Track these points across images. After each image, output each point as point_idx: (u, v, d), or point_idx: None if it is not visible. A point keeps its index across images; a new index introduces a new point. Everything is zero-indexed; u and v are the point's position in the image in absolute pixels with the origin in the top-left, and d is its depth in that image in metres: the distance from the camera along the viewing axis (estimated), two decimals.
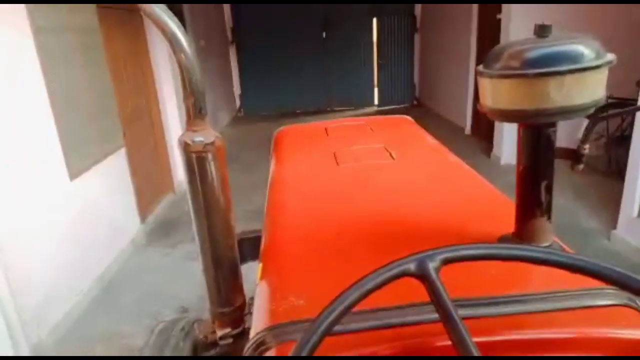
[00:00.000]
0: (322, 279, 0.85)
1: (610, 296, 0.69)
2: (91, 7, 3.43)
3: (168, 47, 1.00)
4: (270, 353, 0.70)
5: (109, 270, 3.42)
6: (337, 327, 0.51)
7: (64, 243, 2.92)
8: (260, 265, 1.05)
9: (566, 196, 4.18)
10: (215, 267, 1.16)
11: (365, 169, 1.42)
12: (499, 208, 1.06)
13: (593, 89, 0.68)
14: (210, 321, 1.24)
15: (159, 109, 4.87)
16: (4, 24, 2.50)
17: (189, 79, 1.04)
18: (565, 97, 0.67)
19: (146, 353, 1.24)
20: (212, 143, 1.08)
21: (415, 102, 9.70)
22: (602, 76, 0.68)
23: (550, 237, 0.80)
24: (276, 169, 1.61)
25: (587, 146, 0.77)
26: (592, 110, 0.69)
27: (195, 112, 1.08)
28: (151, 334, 1.32)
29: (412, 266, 0.51)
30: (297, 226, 1.15)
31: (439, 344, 0.61)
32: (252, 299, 1.05)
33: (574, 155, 0.77)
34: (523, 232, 0.80)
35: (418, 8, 9.20)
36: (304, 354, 0.47)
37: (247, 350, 0.74)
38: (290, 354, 0.47)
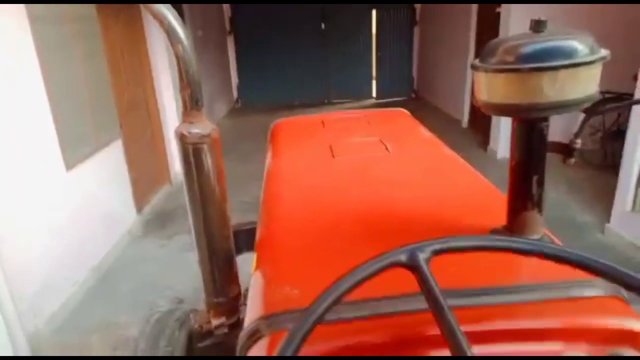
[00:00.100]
0: (316, 269, 0.86)
1: (597, 287, 0.71)
2: None
3: (165, 38, 1.00)
4: (264, 341, 0.71)
5: (106, 260, 3.43)
6: (330, 316, 0.52)
7: (60, 233, 2.92)
8: (255, 256, 1.05)
9: (560, 190, 4.21)
10: (210, 258, 1.17)
11: (361, 162, 1.43)
12: (492, 201, 1.07)
13: (586, 84, 0.69)
14: (206, 311, 1.25)
15: (155, 99, 4.85)
16: (0, 13, 2.48)
17: (185, 70, 1.05)
18: (559, 92, 0.67)
19: (142, 343, 1.25)
20: (209, 135, 1.08)
21: (413, 95, 9.69)
22: (595, 71, 0.69)
23: (540, 229, 0.81)
24: (272, 160, 1.62)
25: (579, 140, 0.77)
26: (585, 106, 0.70)
27: (191, 104, 1.08)
28: (146, 324, 1.33)
29: (402, 257, 0.52)
30: (291, 217, 1.16)
31: (429, 333, 0.62)
32: (247, 290, 1.06)
33: (566, 149, 0.78)
34: (514, 224, 0.81)
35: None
36: (296, 341, 0.48)
37: (241, 338, 0.75)
38: (282, 341, 0.48)
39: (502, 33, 5.07)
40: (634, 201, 3.33)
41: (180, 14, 1.03)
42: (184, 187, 1.12)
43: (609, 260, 0.50)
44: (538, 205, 0.79)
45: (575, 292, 0.70)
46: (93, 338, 2.64)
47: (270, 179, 1.45)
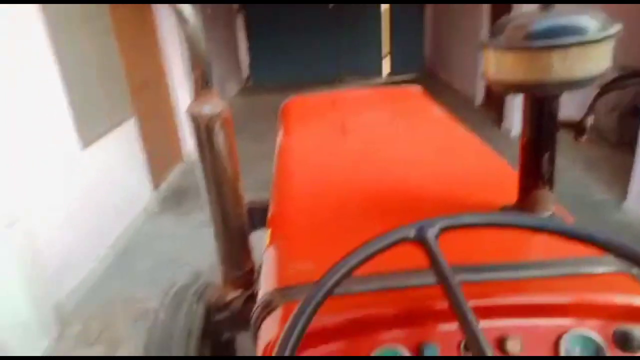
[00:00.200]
0: (328, 245, 0.88)
1: (607, 264, 0.71)
2: None
3: (174, 17, 1.01)
4: (278, 312, 0.74)
5: (123, 237, 3.51)
6: (340, 289, 0.54)
7: (78, 211, 3.00)
8: (269, 231, 1.08)
9: (577, 168, 4.16)
10: (225, 233, 1.20)
11: (373, 140, 1.43)
12: (506, 179, 1.07)
13: (597, 61, 0.68)
14: (222, 285, 1.30)
15: (166, 78, 4.87)
16: None
17: (195, 50, 1.06)
18: (569, 69, 0.67)
19: (161, 314, 1.30)
20: (220, 114, 1.10)
21: (426, 73, 9.53)
22: (607, 48, 0.68)
23: (551, 207, 0.82)
24: (283, 139, 1.63)
25: (590, 118, 0.77)
26: (595, 82, 0.70)
27: (202, 83, 1.10)
28: (165, 296, 1.38)
29: (411, 233, 0.54)
30: (303, 195, 1.18)
31: (437, 307, 0.64)
32: (261, 266, 1.09)
33: (577, 127, 0.78)
34: (525, 202, 0.82)
35: None
36: (308, 310, 0.50)
37: (256, 309, 0.79)
38: (294, 310, 0.51)
39: (516, 8, 4.93)
40: None
41: None
42: (198, 165, 1.15)
43: (622, 238, 0.50)
44: (549, 182, 0.79)
45: (584, 269, 0.71)
46: (115, 308, 2.74)
47: (282, 156, 1.46)
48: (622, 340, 0.63)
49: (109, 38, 3.54)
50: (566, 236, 0.52)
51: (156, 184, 4.23)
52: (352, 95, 2.08)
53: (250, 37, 9.25)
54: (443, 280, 0.51)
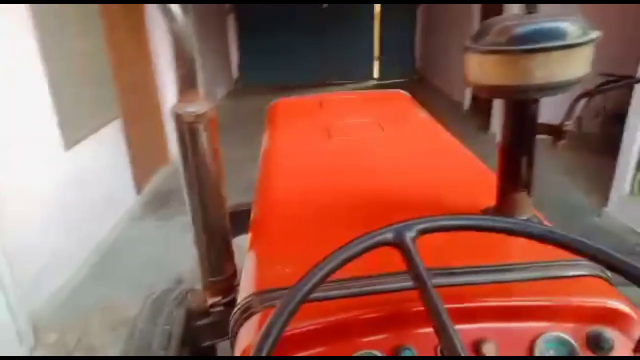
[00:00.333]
0: (308, 248, 0.87)
1: (581, 267, 0.72)
2: None
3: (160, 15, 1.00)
4: (256, 317, 0.73)
5: (106, 241, 3.46)
6: (318, 294, 0.53)
7: (60, 214, 2.94)
8: (250, 235, 1.07)
9: (560, 173, 4.21)
10: (206, 237, 1.18)
11: (357, 144, 1.43)
12: (485, 183, 1.08)
13: (578, 65, 0.69)
14: (202, 290, 1.27)
15: (155, 78, 4.82)
16: None
17: (180, 48, 1.04)
18: (550, 73, 0.67)
19: (140, 322, 1.28)
20: (204, 114, 1.08)
21: (415, 77, 9.60)
22: (587, 53, 0.68)
23: (529, 210, 0.82)
24: (269, 141, 1.62)
25: (569, 122, 0.78)
26: (575, 87, 0.70)
27: (187, 83, 1.08)
28: (145, 303, 1.35)
29: (389, 236, 0.53)
30: (285, 198, 1.17)
31: (414, 310, 0.64)
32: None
33: (556, 131, 0.78)
34: (503, 205, 0.82)
35: None
36: (284, 315, 0.49)
37: (234, 314, 0.77)
38: (269, 317, 0.50)
39: (507, 9, 5.00)
40: (632, 185, 3.33)
41: None
42: (180, 167, 1.13)
43: (597, 242, 0.51)
44: (527, 186, 0.80)
45: (559, 272, 0.71)
46: (93, 317, 2.68)
47: (266, 159, 1.46)
48: (595, 342, 0.64)
49: (97, 38, 3.50)
50: (542, 240, 0.52)
51: (140, 187, 4.18)
52: (338, 99, 2.08)
53: (240, 37, 9.24)
54: (419, 283, 0.50)
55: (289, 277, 0.77)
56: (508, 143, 0.79)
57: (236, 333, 0.75)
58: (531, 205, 0.82)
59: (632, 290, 0.61)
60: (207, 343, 1.27)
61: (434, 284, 0.49)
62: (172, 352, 1.12)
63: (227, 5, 8.87)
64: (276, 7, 8.85)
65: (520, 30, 0.66)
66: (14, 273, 2.40)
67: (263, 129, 1.84)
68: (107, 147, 3.62)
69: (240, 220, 1.41)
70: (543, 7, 0.70)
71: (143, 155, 4.33)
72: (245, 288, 0.83)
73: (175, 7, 0.99)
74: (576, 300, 0.67)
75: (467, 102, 6.94)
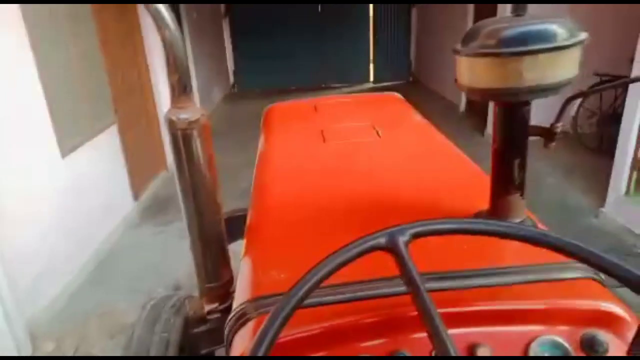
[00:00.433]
0: (303, 253, 0.87)
1: (575, 270, 0.72)
2: None
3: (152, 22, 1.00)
4: (251, 324, 0.73)
5: (103, 248, 3.45)
6: (312, 300, 0.53)
7: (58, 221, 2.94)
8: (245, 241, 1.07)
9: (557, 174, 4.22)
10: (202, 244, 1.18)
11: (352, 147, 1.44)
12: (479, 186, 1.08)
13: (567, 67, 0.69)
14: (199, 297, 1.27)
15: (150, 84, 4.82)
16: None
17: (173, 55, 1.04)
18: (539, 76, 0.68)
19: (138, 329, 1.27)
20: (197, 120, 1.08)
21: (411, 79, 9.62)
22: (575, 55, 0.69)
23: (522, 213, 0.82)
24: (264, 146, 1.63)
25: (560, 124, 0.78)
26: (564, 89, 0.70)
27: (180, 89, 1.08)
28: (143, 310, 1.35)
29: (382, 240, 0.53)
30: (281, 203, 1.17)
31: (408, 315, 0.64)
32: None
33: (547, 133, 0.78)
34: (497, 208, 0.82)
35: None
36: (277, 324, 0.49)
37: (229, 321, 0.77)
38: (263, 324, 0.50)
39: (500, 10, 5.02)
40: (628, 185, 3.34)
41: None
42: (175, 173, 1.13)
43: (590, 245, 0.51)
44: (520, 188, 0.80)
45: (553, 275, 0.71)
46: (90, 324, 2.67)
47: (262, 164, 1.46)
48: (589, 345, 0.64)
49: (92, 43, 3.49)
50: (535, 243, 0.52)
51: (137, 193, 4.17)
52: (332, 102, 2.09)
53: (235, 41, 9.25)
54: (412, 287, 0.50)
55: (284, 283, 0.77)
56: (500, 145, 0.79)
57: (231, 340, 0.74)
58: (524, 208, 0.83)
59: (626, 291, 0.61)
60: (205, 350, 1.27)
61: (427, 288, 0.49)
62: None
63: (222, 10, 8.89)
64: (271, 10, 8.87)
65: (508, 33, 0.66)
66: (11, 281, 2.39)
67: (259, 133, 1.84)
68: (104, 153, 3.62)
69: (237, 226, 1.40)
70: (533, 8, 0.70)
71: (140, 161, 4.32)
72: (240, 294, 0.83)
73: (167, 14, 0.99)
74: (570, 303, 0.67)
75: (462, 104, 6.95)
